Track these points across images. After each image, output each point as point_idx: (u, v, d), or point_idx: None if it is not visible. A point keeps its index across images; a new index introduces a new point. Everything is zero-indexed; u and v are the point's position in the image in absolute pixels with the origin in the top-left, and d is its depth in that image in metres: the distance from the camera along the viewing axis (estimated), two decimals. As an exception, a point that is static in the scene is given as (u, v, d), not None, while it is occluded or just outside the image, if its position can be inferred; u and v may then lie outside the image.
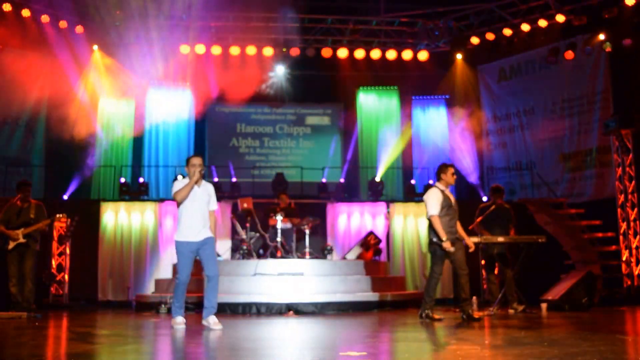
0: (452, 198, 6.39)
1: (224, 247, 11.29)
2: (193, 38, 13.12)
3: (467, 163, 13.67)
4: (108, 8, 12.26)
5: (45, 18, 12.54)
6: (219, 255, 9.68)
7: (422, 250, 12.20)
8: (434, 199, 6.24)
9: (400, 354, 3.93)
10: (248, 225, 9.90)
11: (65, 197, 12.32)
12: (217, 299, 5.70)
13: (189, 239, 5.59)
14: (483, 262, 8.69)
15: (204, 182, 5.76)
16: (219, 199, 7.16)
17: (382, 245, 11.07)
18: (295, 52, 13.62)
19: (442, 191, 6.30)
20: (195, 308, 8.23)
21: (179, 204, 5.68)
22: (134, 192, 12.33)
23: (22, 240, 7.62)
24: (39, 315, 7.41)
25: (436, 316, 6.32)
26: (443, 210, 6.21)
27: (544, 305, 7.97)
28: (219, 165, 13.60)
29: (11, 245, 7.61)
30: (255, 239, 9.98)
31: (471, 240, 6.52)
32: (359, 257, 10.35)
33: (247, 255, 9.49)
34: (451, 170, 6.45)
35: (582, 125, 12.36)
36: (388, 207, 12.41)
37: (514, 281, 7.79)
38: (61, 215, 8.12)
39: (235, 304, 8.00)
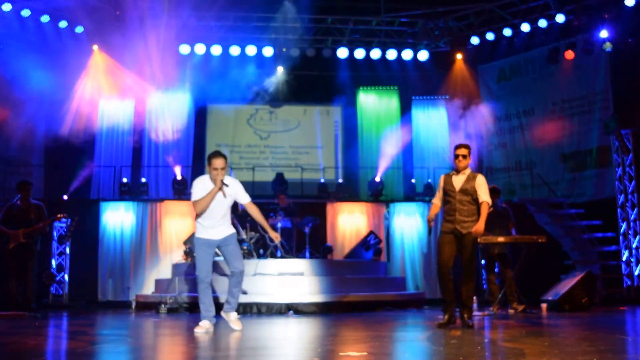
0: (459, 183, 5.50)
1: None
2: (193, 38, 13.11)
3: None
4: (108, 8, 12.24)
5: (45, 18, 12.53)
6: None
7: (422, 251, 12.19)
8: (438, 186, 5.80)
9: (400, 354, 3.92)
10: (248, 225, 9.89)
11: (65, 197, 12.31)
12: (232, 298, 5.49)
13: (208, 237, 5.37)
14: (483, 262, 8.69)
15: (226, 179, 5.41)
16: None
17: (382, 245, 11.07)
18: (295, 52, 13.61)
19: (448, 176, 5.63)
20: (190, 308, 8.26)
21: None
22: (134, 192, 12.32)
23: (22, 240, 7.62)
24: (39, 315, 7.42)
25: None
26: (445, 198, 5.62)
27: (544, 305, 7.97)
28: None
29: (11, 245, 7.61)
30: (255, 239, 9.98)
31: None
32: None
33: (247, 255, 9.49)
34: (457, 152, 5.57)
35: (582, 125, 12.34)
36: (387, 207, 12.40)
37: (514, 281, 7.79)
38: (61, 215, 8.12)
39: (236, 303, 8.00)
